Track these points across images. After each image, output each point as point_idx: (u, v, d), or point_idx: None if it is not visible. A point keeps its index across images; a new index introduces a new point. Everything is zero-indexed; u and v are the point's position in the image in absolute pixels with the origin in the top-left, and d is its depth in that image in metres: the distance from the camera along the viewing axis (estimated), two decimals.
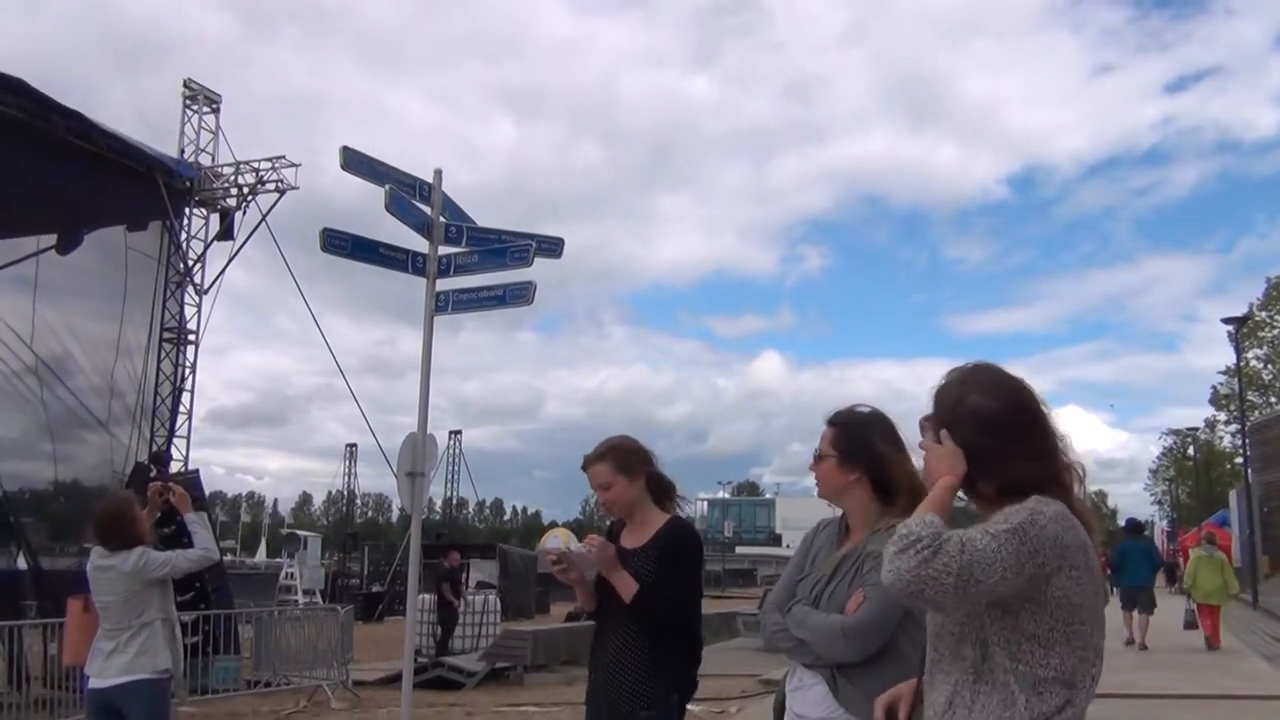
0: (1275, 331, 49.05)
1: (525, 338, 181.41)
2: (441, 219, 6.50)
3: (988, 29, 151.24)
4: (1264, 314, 48.28)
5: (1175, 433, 61.86)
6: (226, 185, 15.84)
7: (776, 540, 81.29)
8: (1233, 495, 35.62)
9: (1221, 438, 51.98)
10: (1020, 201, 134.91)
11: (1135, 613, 14.96)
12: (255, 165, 15.80)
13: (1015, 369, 2.09)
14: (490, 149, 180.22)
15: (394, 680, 14.53)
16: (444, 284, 6.44)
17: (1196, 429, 52.40)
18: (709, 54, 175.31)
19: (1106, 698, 8.76)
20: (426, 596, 16.86)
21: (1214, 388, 51.47)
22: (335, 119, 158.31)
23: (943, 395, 2.05)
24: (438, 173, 6.56)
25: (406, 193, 6.25)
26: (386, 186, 6.01)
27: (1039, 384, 2.04)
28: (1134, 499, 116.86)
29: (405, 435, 6.48)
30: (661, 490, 3.60)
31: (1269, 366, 48.89)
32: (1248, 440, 31.60)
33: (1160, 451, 64.14)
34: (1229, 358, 39.58)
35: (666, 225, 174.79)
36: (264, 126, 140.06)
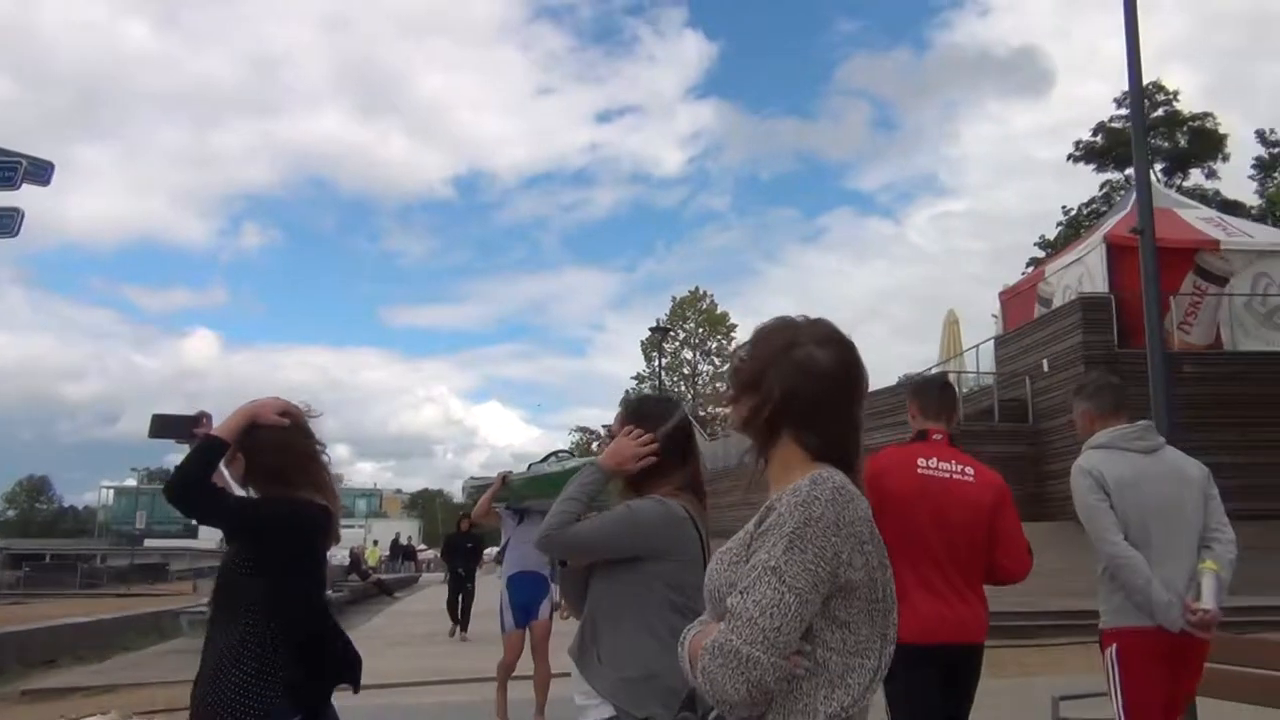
0: (677, 344, 56.55)
1: None
2: None
3: (447, 31, 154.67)
4: (671, 329, 55.62)
5: (582, 429, 69.53)
6: None
7: (193, 532, 75.54)
8: None
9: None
10: (463, 203, 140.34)
11: None
12: None
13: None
14: None
15: None
16: None
17: (609, 426, 58.13)
18: (156, 2, 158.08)
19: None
20: None
21: (626, 391, 58.13)
22: None
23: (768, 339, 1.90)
24: None
25: None
26: None
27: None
28: None
29: None
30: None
31: (670, 375, 56.09)
32: None
33: (569, 446, 70.80)
34: (631, 366, 44.86)
35: (84, 179, 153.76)
36: None
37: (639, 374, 57.71)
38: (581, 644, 2.74)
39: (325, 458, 3.05)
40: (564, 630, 3.95)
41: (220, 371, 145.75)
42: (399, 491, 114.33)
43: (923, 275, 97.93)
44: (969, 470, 3.84)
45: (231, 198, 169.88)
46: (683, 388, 54.88)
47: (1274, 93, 78.54)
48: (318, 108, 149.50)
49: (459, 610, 16.05)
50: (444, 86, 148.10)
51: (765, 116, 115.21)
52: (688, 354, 57.50)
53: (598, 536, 2.74)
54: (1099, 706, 4.24)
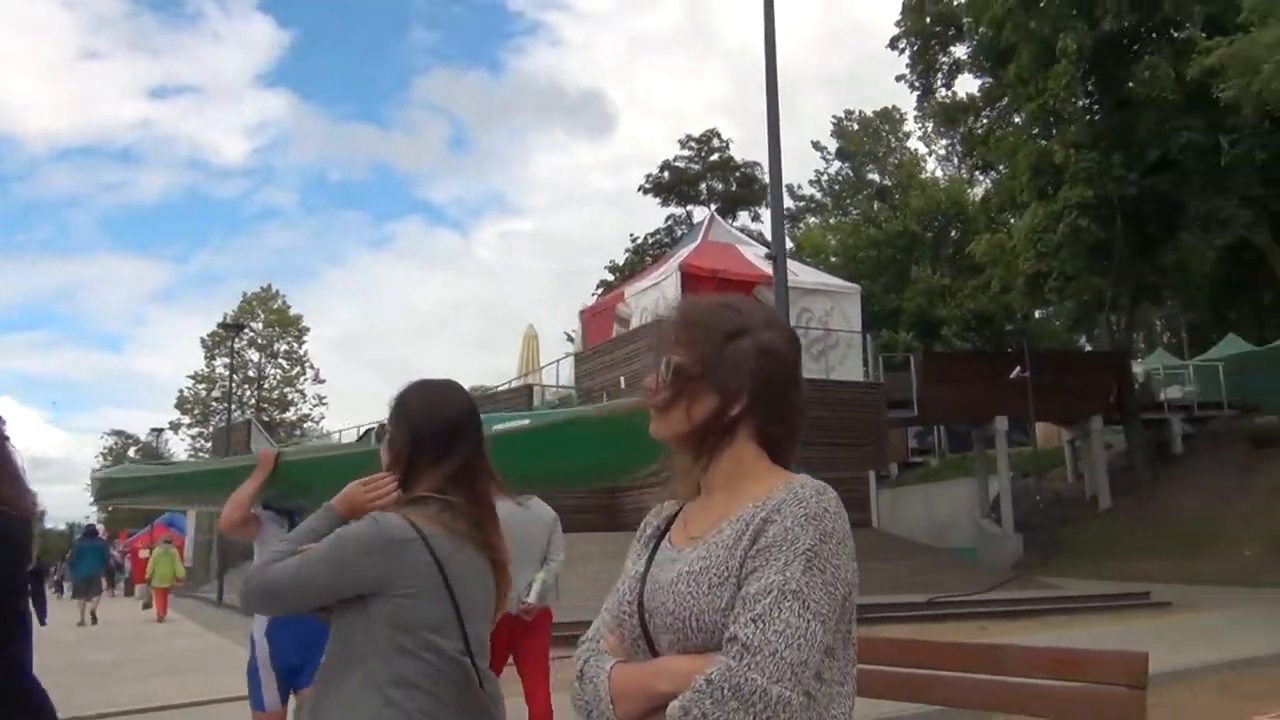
0: (243, 343, 53.01)
1: None
2: None
3: None
4: (244, 325, 52.01)
5: (119, 433, 64.72)
6: None
7: None
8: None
9: (183, 439, 53.96)
10: None
11: (85, 599, 20.19)
12: None
13: None
14: None
15: None
16: None
17: (161, 430, 53.07)
18: None
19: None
20: None
21: (181, 391, 53.78)
22: None
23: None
24: None
25: None
26: None
27: None
28: (66, 499, 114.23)
29: None
30: None
31: (235, 375, 52.49)
32: (211, 443, 33.82)
33: (100, 451, 63.83)
34: (182, 365, 40.63)
35: None
36: None
37: (197, 373, 53.48)
38: (313, 708, 2.19)
39: (10, 444, 2.27)
40: None
41: None
42: None
43: (490, 290, 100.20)
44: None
45: None
46: (247, 391, 51.58)
47: (797, 153, 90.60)
48: None
49: None
50: None
51: (339, 118, 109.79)
52: (254, 355, 54.06)
53: (297, 578, 2.13)
54: None
